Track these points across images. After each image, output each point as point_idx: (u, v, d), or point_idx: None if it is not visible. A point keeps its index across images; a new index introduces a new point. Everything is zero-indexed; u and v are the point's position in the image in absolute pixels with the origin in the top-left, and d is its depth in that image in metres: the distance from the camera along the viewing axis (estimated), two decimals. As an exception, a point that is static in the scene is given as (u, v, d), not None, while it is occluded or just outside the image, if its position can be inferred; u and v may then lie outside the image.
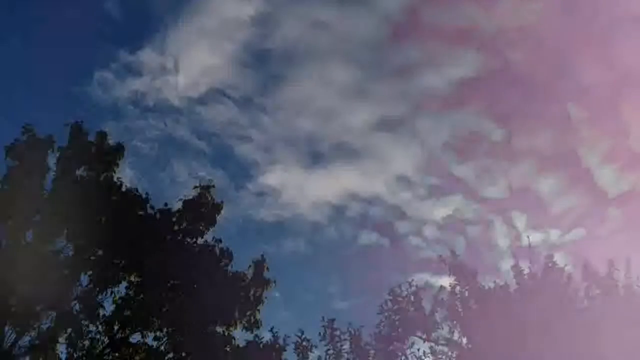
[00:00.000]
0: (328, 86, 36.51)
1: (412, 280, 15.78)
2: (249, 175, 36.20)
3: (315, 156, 37.68)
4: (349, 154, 37.16)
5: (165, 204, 17.33)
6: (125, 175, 17.61)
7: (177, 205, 17.47)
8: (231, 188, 34.07)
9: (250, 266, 17.41)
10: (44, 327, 16.08)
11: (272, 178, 35.39)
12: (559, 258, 15.81)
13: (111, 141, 17.66)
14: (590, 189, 33.83)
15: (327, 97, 36.44)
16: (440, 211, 36.69)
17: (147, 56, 33.92)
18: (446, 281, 16.37)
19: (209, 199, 17.58)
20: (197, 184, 17.79)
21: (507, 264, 16.45)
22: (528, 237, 16.25)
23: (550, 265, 16.02)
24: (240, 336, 16.84)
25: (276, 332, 15.55)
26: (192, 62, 34.90)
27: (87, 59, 34.07)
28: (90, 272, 16.42)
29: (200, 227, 17.35)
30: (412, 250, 34.93)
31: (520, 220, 34.08)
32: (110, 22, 33.05)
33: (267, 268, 17.47)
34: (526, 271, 16.11)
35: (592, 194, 34.03)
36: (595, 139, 33.27)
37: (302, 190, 36.42)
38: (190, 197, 17.54)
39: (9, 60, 30.03)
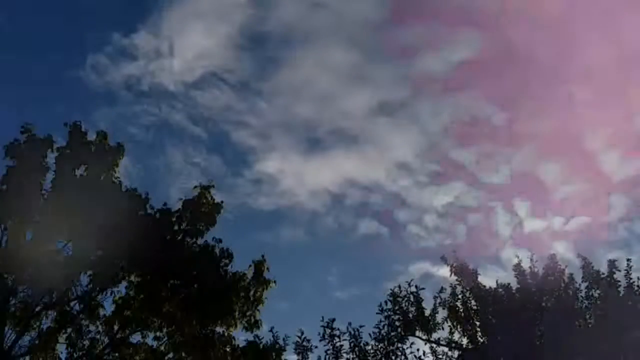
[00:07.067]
0: (326, 70, 35.72)
1: (412, 280, 15.63)
2: (246, 162, 35.78)
3: (314, 142, 36.98)
4: (348, 140, 36.62)
5: (165, 204, 17.36)
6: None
7: (177, 205, 17.50)
8: (228, 175, 33.68)
9: (250, 266, 17.45)
10: (44, 327, 16.15)
11: (269, 165, 34.81)
12: (561, 247, 15.65)
13: (111, 141, 17.67)
14: (594, 175, 33.01)
15: (325, 81, 35.63)
16: (441, 198, 35.96)
17: (141, 39, 33.14)
18: (446, 272, 16.32)
19: (209, 198, 17.58)
20: (197, 184, 17.84)
21: (507, 253, 16.24)
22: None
23: (552, 264, 15.93)
24: (240, 336, 16.89)
25: (276, 332, 15.50)
26: (187, 46, 34.08)
27: (81, 42, 33.33)
28: (90, 272, 16.45)
29: (200, 227, 17.36)
30: (412, 239, 34.62)
31: (522, 207, 33.67)
32: (104, 4, 32.21)
33: (268, 268, 17.50)
34: (528, 270, 16.01)
35: (596, 180, 33.41)
36: (600, 123, 32.41)
37: (300, 177, 35.81)
38: (190, 197, 17.54)
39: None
